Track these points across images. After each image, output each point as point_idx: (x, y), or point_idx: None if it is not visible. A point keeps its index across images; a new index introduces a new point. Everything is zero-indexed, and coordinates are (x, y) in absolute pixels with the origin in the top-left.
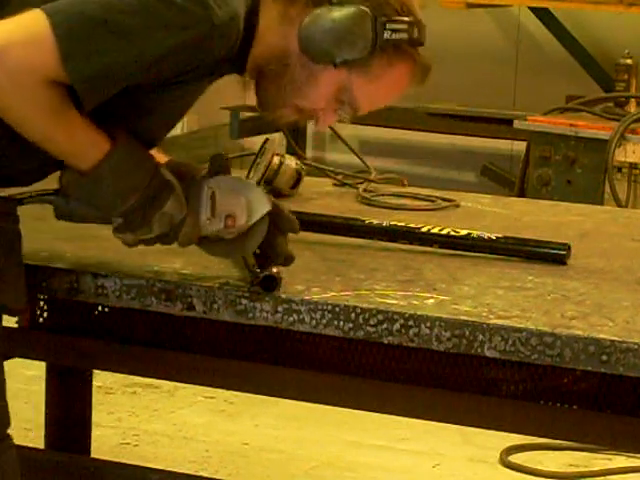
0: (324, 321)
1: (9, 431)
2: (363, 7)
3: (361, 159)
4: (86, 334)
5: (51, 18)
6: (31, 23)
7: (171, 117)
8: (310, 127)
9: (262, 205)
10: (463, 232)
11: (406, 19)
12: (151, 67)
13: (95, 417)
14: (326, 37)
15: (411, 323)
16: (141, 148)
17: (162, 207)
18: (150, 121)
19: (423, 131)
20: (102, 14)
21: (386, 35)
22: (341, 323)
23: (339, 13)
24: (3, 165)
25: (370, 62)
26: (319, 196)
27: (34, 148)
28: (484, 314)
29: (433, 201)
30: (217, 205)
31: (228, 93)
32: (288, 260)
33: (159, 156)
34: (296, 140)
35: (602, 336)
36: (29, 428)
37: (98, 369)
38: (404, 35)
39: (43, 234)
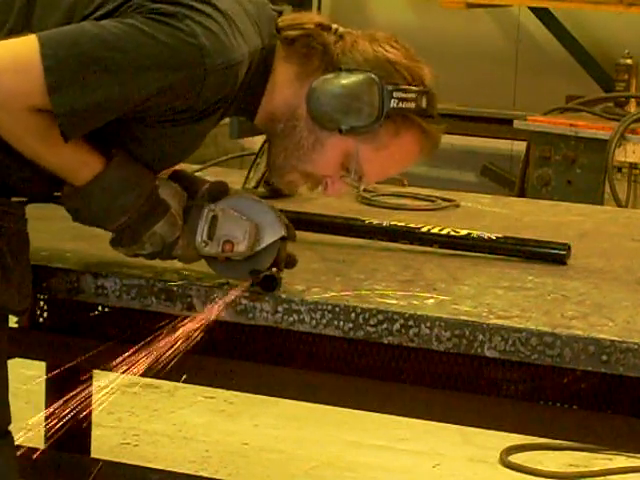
0: (324, 321)
1: (9, 428)
2: (372, 75)
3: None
4: (86, 334)
5: (43, 48)
6: (22, 51)
7: (167, 152)
8: None
9: (274, 231)
10: (463, 232)
11: (414, 88)
12: (137, 105)
13: (95, 417)
14: (332, 103)
15: (411, 323)
16: (138, 168)
17: (152, 228)
18: (144, 152)
19: None
20: (93, 49)
21: (393, 103)
22: (341, 323)
23: (347, 80)
24: (7, 175)
25: (377, 130)
26: (319, 196)
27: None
28: (484, 314)
29: (433, 201)
30: (217, 229)
31: None
32: (290, 264)
33: None
34: None
35: (602, 336)
36: (29, 428)
37: (98, 369)
38: (411, 104)
39: (43, 234)
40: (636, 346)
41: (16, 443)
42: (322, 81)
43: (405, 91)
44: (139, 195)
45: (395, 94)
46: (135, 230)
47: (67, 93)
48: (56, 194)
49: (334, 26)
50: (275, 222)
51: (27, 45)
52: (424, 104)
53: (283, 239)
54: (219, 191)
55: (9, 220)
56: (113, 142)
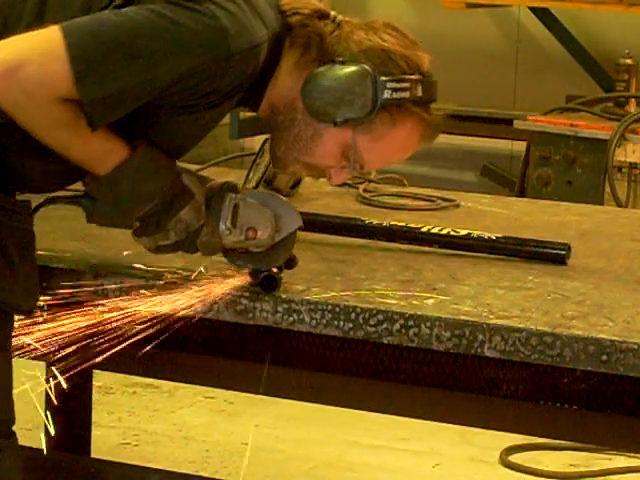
0: (324, 321)
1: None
2: (365, 66)
3: None
4: (86, 334)
5: (67, 38)
6: (47, 41)
7: (185, 140)
8: None
9: (292, 221)
10: (463, 232)
11: (410, 77)
12: (162, 91)
13: (95, 417)
14: (325, 96)
15: (411, 323)
16: (163, 156)
17: (178, 214)
18: (163, 140)
19: None
20: (118, 37)
21: (386, 94)
22: (341, 323)
23: (339, 72)
24: (21, 168)
25: (372, 121)
26: (319, 196)
27: (47, 153)
28: (484, 314)
29: (433, 201)
30: (239, 217)
31: None
32: (293, 263)
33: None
34: None
35: (602, 336)
36: (29, 428)
37: (98, 369)
38: (406, 94)
39: (44, 234)
40: (636, 346)
41: None
42: (315, 74)
43: (399, 81)
44: (165, 180)
45: (389, 85)
46: (161, 216)
47: (93, 81)
48: (79, 192)
49: (332, 14)
50: (292, 212)
51: (51, 36)
52: (420, 92)
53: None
54: (230, 187)
55: (16, 219)
56: (134, 132)
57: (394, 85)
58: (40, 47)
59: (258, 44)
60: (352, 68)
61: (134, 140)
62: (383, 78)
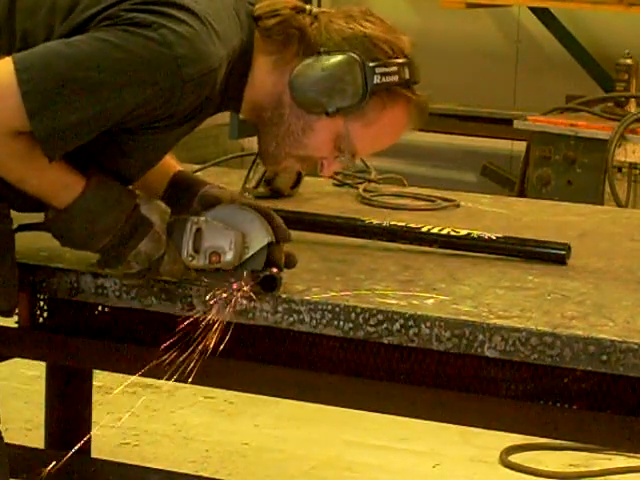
0: (324, 321)
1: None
2: (351, 54)
3: (361, 159)
4: (86, 334)
5: (19, 73)
6: (0, 76)
7: (150, 158)
8: None
9: (260, 238)
10: (463, 232)
11: (396, 61)
12: (118, 121)
13: (95, 417)
14: (316, 87)
15: (411, 323)
16: (117, 188)
17: (136, 246)
18: (128, 161)
19: (423, 131)
20: (70, 70)
21: (376, 79)
22: (341, 323)
23: (327, 62)
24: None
25: (364, 107)
26: (319, 196)
27: None
28: (484, 314)
29: (433, 201)
30: (203, 241)
31: None
32: (291, 263)
33: (172, 163)
34: None
35: (602, 336)
36: (29, 428)
37: (98, 369)
38: (394, 78)
39: (43, 234)
40: (636, 346)
41: (16, 443)
42: (303, 67)
43: (387, 65)
44: (120, 214)
45: (377, 70)
46: (119, 250)
47: (46, 116)
48: (38, 222)
49: (308, 7)
50: (261, 229)
51: (3, 70)
52: (407, 75)
53: (271, 244)
54: (210, 202)
55: None
56: (97, 154)
57: (383, 70)
58: None
59: (213, 69)
60: (340, 57)
61: (97, 159)
62: (371, 64)
